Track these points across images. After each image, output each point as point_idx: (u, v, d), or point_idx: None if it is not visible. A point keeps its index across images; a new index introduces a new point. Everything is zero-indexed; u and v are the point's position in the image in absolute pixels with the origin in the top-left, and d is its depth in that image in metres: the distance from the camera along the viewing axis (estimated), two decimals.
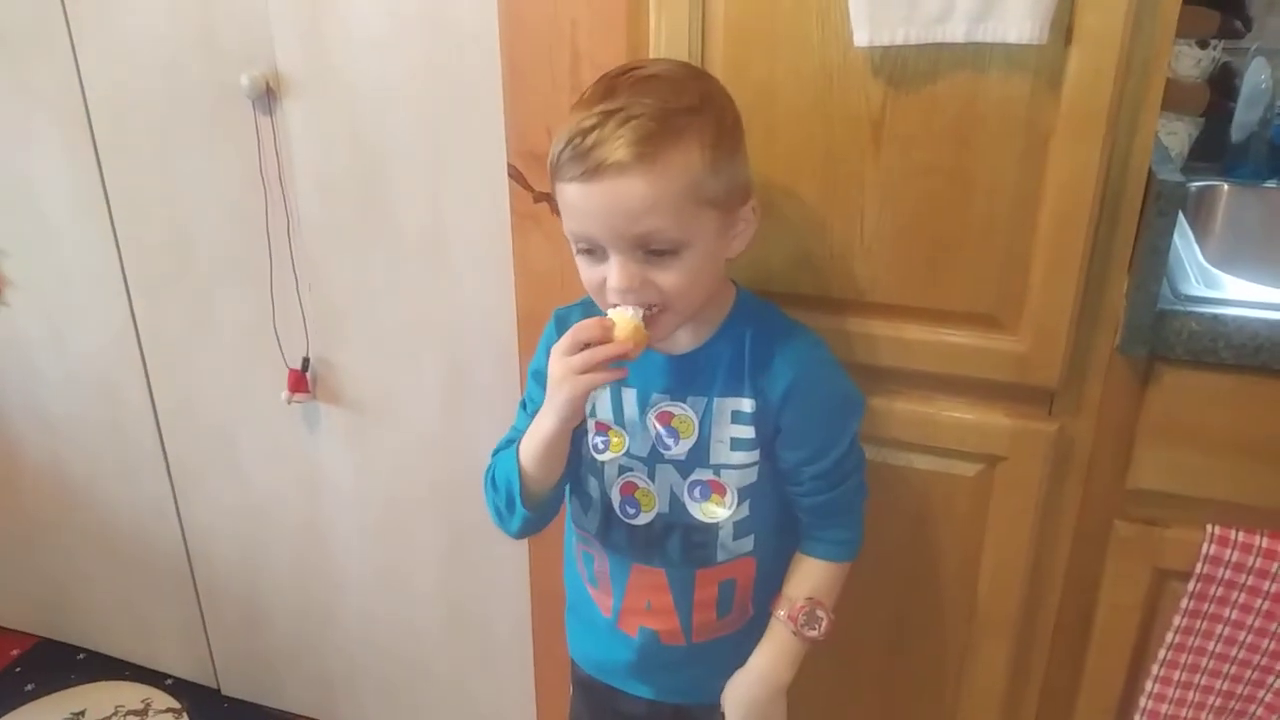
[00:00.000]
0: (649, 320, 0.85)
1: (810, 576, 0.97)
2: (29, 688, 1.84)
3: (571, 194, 0.82)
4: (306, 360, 1.43)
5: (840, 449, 0.94)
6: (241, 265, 1.41)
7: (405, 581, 1.55)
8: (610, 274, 0.83)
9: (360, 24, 1.19)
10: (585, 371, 0.83)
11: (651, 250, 0.82)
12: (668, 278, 0.83)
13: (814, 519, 0.97)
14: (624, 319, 0.83)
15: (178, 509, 1.69)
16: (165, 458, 1.65)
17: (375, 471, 1.48)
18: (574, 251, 0.88)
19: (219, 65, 1.28)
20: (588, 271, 0.86)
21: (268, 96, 1.27)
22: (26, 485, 1.81)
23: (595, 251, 0.84)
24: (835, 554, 0.97)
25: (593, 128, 0.79)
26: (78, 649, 1.94)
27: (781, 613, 0.96)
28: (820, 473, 0.93)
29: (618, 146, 0.78)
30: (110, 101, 1.40)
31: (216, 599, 1.75)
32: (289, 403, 1.44)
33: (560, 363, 0.85)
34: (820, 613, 0.95)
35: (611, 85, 0.83)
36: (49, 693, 1.82)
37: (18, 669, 1.90)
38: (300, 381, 1.43)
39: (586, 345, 0.84)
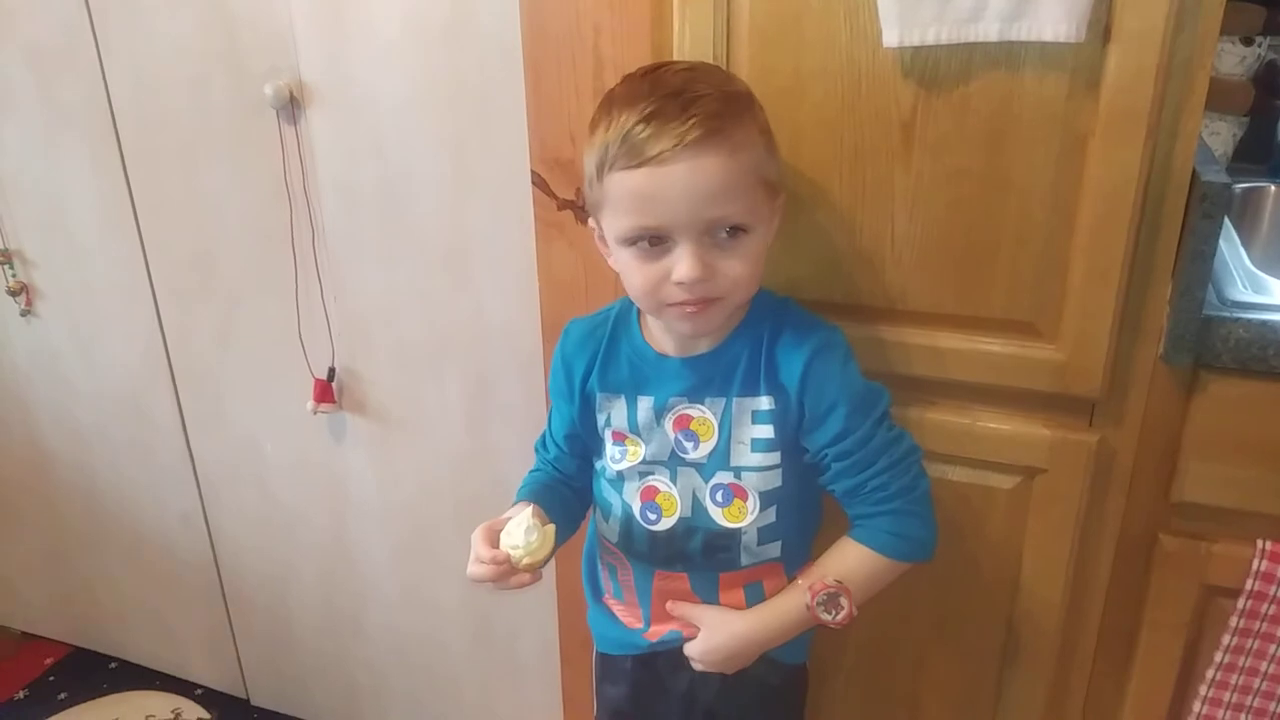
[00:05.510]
0: (697, 314, 0.83)
1: (846, 559, 0.91)
2: (62, 696, 1.86)
3: (636, 182, 0.79)
4: (332, 370, 1.43)
5: (862, 431, 0.87)
6: (267, 275, 1.41)
7: (430, 592, 1.54)
8: (680, 264, 0.80)
9: (383, 33, 1.19)
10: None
11: (722, 234, 0.80)
12: (734, 265, 0.81)
13: (853, 508, 0.91)
14: (515, 541, 0.86)
15: (206, 519, 1.70)
16: (193, 467, 1.66)
17: (400, 482, 1.48)
18: (615, 252, 0.85)
19: (244, 76, 1.29)
20: (645, 269, 0.82)
21: (292, 107, 1.27)
22: (57, 495, 1.83)
23: (656, 245, 0.81)
24: (880, 544, 0.89)
25: (655, 113, 0.77)
26: (110, 658, 1.96)
27: (803, 582, 0.91)
28: (842, 454, 0.88)
29: (691, 126, 0.76)
30: (137, 114, 1.41)
31: (244, 609, 1.76)
32: (315, 413, 1.44)
33: (477, 568, 0.87)
34: (844, 600, 0.88)
35: (656, 79, 0.82)
36: (81, 701, 1.84)
37: (51, 677, 1.92)
38: (326, 392, 1.43)
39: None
